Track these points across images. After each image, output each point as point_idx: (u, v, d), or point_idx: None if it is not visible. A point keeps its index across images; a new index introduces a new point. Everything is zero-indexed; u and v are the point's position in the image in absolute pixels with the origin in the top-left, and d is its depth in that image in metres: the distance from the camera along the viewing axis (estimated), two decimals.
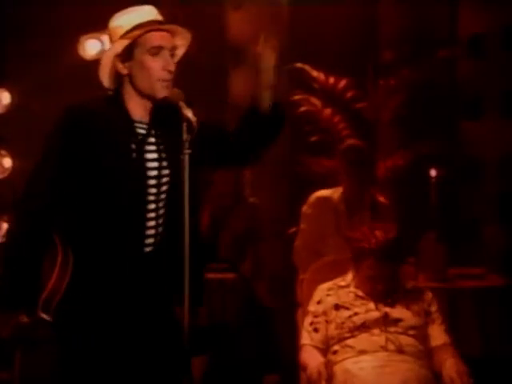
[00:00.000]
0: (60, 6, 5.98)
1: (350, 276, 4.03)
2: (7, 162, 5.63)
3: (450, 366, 3.77)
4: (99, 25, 5.72)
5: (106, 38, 5.80)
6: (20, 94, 5.79)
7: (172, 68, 2.97)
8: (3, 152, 5.60)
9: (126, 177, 2.95)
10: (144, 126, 3.01)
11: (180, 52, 3.06)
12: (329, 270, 4.18)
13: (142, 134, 2.99)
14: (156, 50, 2.95)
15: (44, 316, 2.94)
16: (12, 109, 5.77)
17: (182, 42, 3.05)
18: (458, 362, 3.79)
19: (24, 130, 5.62)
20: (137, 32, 2.94)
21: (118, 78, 3.01)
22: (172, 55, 2.99)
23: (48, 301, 2.94)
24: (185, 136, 2.88)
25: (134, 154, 2.95)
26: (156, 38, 2.96)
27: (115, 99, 3.01)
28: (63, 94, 5.84)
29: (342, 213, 5.15)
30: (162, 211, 3.02)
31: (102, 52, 5.79)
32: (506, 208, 6.21)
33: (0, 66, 6.05)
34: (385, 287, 3.92)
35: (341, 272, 4.09)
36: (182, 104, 2.92)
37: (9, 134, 5.66)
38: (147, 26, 2.94)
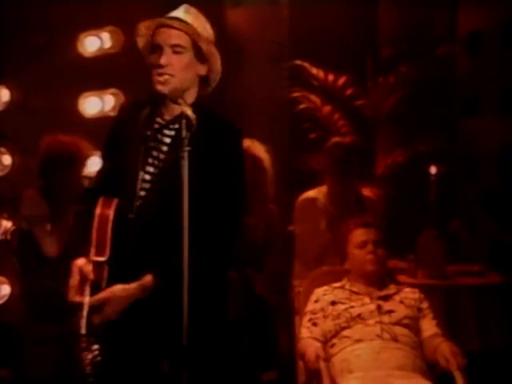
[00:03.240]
0: (59, 2, 5.97)
1: (344, 280, 4.16)
2: (7, 160, 5.61)
3: (443, 347, 3.83)
4: (99, 21, 5.74)
5: (105, 34, 5.80)
6: (19, 91, 5.79)
7: (163, 62, 2.99)
8: (2, 149, 5.58)
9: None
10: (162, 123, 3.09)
11: (203, 46, 3.09)
12: (325, 280, 4.25)
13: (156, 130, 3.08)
14: (153, 47, 3.02)
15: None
16: (11, 106, 5.76)
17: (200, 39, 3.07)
18: (451, 344, 3.85)
19: (23, 128, 5.61)
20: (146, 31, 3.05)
21: None
22: (175, 52, 3.01)
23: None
24: (184, 133, 2.89)
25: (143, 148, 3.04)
26: (156, 35, 3.01)
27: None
28: (63, 92, 5.87)
29: (329, 211, 5.15)
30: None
31: (101, 49, 5.79)
32: (504, 204, 6.21)
33: None
34: (376, 257, 4.02)
35: (336, 282, 4.19)
36: (181, 101, 2.96)
37: (8, 131, 5.65)
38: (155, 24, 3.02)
